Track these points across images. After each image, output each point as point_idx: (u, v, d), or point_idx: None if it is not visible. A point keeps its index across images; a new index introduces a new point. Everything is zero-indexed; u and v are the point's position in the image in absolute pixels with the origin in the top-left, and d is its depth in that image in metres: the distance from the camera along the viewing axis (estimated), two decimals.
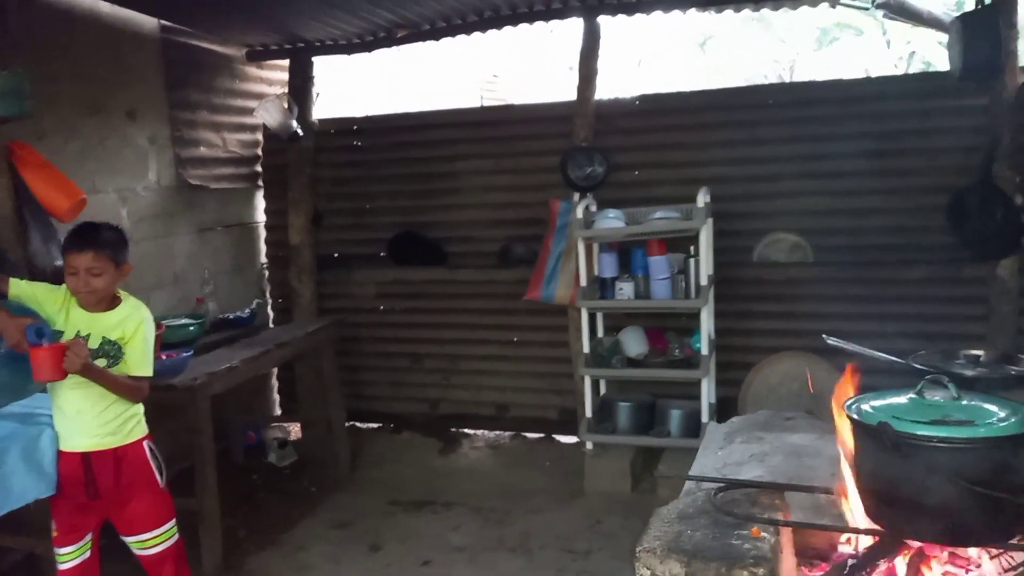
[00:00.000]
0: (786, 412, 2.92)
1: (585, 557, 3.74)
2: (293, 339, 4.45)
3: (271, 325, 5.40)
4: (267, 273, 5.64)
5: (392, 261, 5.30)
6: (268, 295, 5.64)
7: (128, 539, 2.76)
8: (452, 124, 5.17)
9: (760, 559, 1.54)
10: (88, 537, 2.74)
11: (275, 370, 5.54)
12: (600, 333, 4.62)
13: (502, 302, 5.06)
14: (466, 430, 5.34)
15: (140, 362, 2.64)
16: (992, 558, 1.61)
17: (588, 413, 4.46)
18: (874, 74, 4.40)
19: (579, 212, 4.29)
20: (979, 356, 2.99)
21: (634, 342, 4.46)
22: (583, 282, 4.37)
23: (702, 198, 4.09)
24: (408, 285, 5.30)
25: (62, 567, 2.72)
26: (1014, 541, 1.50)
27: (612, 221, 4.21)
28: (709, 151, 4.63)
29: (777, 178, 4.55)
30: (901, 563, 1.55)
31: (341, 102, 5.97)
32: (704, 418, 4.16)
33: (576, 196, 4.56)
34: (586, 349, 4.42)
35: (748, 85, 4.78)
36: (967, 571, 1.59)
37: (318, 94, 5.36)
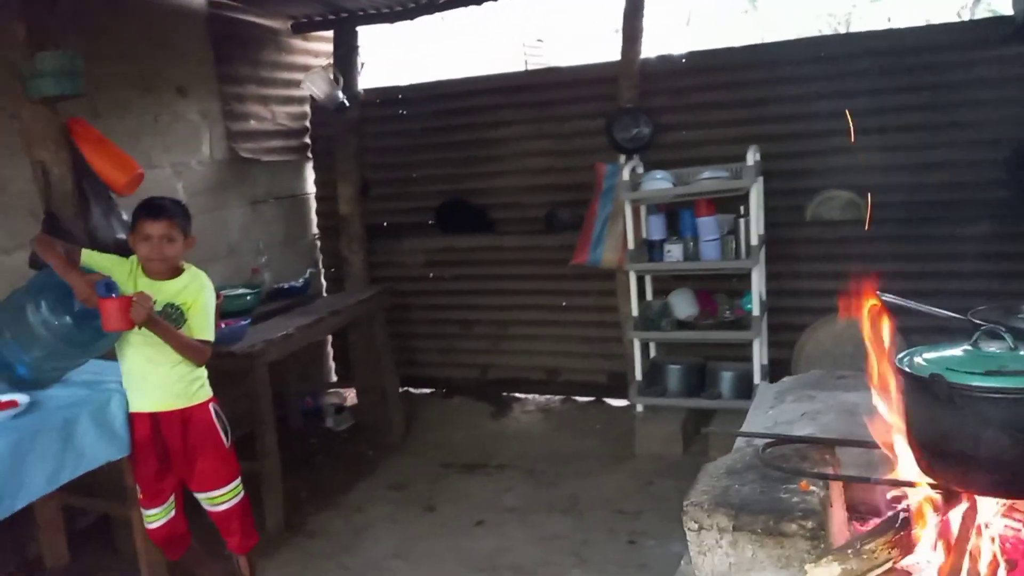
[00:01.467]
0: (839, 371, 2.88)
1: (635, 518, 3.76)
2: (345, 307, 4.54)
3: (324, 294, 5.52)
4: (319, 243, 5.75)
5: (440, 229, 5.35)
6: (320, 265, 5.75)
7: (199, 495, 2.94)
8: (495, 90, 5.15)
9: (809, 512, 1.54)
10: (172, 498, 2.92)
11: (330, 338, 5.67)
12: (649, 296, 4.60)
13: (549, 267, 5.07)
14: (516, 394, 5.40)
15: (202, 327, 2.76)
16: None
17: (638, 376, 4.47)
18: (936, 23, 4.20)
19: (625, 174, 4.25)
20: None
21: (683, 304, 4.43)
22: (631, 245, 4.35)
23: (752, 156, 4.01)
24: (456, 252, 5.34)
25: (150, 527, 2.92)
26: None
27: (659, 182, 4.16)
28: (758, 109, 4.52)
29: (829, 134, 4.42)
30: (955, 517, 1.53)
31: (386, 72, 5.99)
32: (756, 379, 4.12)
33: (622, 158, 4.51)
34: (635, 312, 4.41)
35: (797, 38, 4.63)
36: (1022, 524, 1.56)
37: (363, 64, 5.39)
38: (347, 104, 5.10)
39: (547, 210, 5.03)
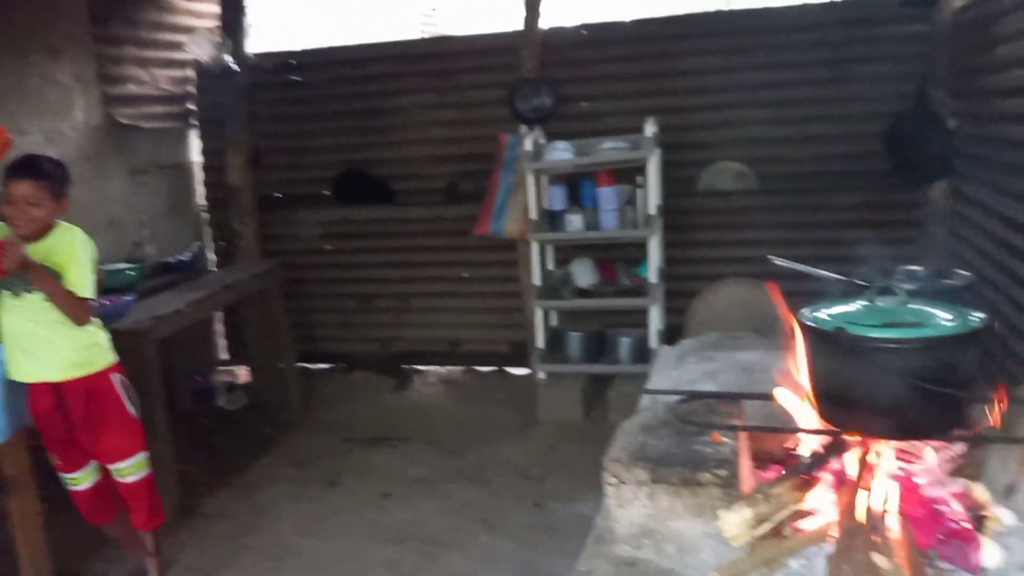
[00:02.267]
0: (735, 333, 3.02)
1: (541, 482, 3.83)
2: (238, 281, 4.36)
3: (213, 269, 5.27)
4: (207, 216, 5.47)
5: (337, 200, 5.20)
6: (209, 238, 5.49)
7: (109, 466, 2.83)
8: (395, 57, 5.04)
9: (722, 462, 1.61)
10: (92, 463, 2.81)
11: (219, 315, 5.43)
12: (550, 266, 4.66)
13: (451, 239, 5.04)
14: (419, 367, 5.37)
15: (79, 282, 2.60)
16: (936, 450, 1.71)
17: (540, 344, 4.53)
18: (823, 2, 4.40)
19: (528, 145, 4.26)
20: (917, 271, 3.14)
21: (584, 273, 4.52)
22: (533, 215, 4.38)
23: (649, 128, 4.11)
24: (355, 224, 5.22)
25: (75, 488, 2.82)
26: (956, 433, 1.60)
27: (561, 153, 4.20)
28: (657, 81, 4.63)
29: (723, 107, 4.58)
30: (851, 460, 1.63)
31: (276, 36, 5.74)
32: (652, 344, 4.26)
33: (524, 129, 4.52)
34: (537, 281, 4.45)
35: (693, 13, 4.75)
36: (912, 463, 1.69)
37: (251, 26, 5.13)
38: (235, 69, 4.85)
39: (449, 180, 4.99)
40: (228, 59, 4.81)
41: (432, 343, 5.31)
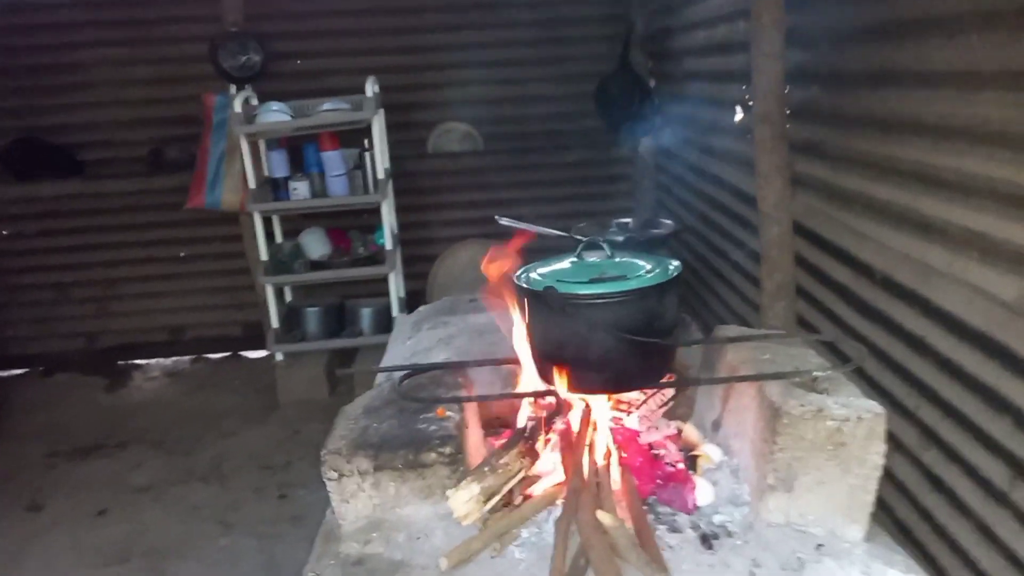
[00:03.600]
0: (469, 296, 2.99)
1: (285, 470, 3.60)
2: None
3: None
4: None
5: (10, 175, 4.39)
6: None
7: None
8: (73, 4, 4.31)
9: (446, 438, 1.52)
10: None
11: None
12: (278, 238, 4.34)
13: (160, 213, 4.50)
14: (137, 361, 4.78)
15: None
16: (649, 397, 1.77)
17: (274, 323, 4.22)
18: None
19: (238, 106, 3.87)
20: (628, 223, 3.34)
21: (315, 244, 4.26)
22: (252, 184, 4.01)
23: (370, 87, 3.92)
24: (37, 203, 4.47)
25: None
26: (664, 379, 1.66)
27: (276, 115, 3.87)
28: (377, 39, 4.44)
29: (446, 67, 4.52)
30: (574, 418, 1.63)
31: None
32: (394, 312, 4.15)
33: (233, 89, 4.11)
34: (264, 256, 4.12)
35: None
36: (628, 413, 1.74)
37: None
38: None
39: (151, 148, 4.43)
40: None
41: (150, 332, 4.76)
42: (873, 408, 1.46)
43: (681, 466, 1.62)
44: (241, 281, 4.60)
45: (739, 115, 3.03)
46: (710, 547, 1.45)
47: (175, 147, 4.38)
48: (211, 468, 3.65)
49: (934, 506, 1.97)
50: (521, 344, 1.65)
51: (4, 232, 4.49)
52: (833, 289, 2.39)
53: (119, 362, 4.72)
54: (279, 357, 4.24)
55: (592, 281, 1.50)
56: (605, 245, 1.59)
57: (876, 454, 1.46)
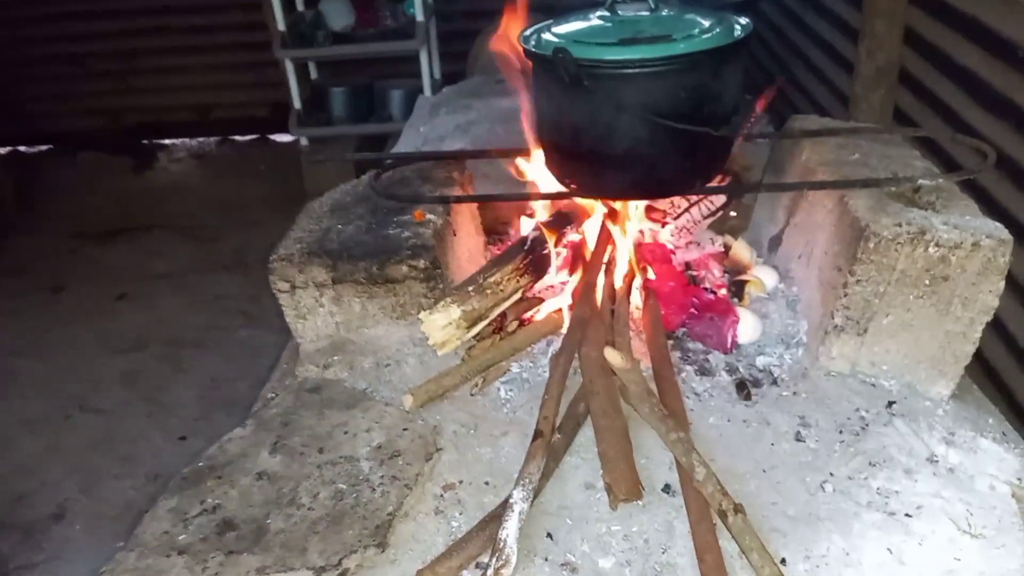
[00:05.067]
0: (499, 75, 2.55)
1: None
2: None
3: None
4: None
5: None
6: None
7: None
8: None
9: (420, 248, 1.20)
10: None
11: None
12: (300, 7, 3.85)
13: None
14: (163, 141, 4.54)
15: None
16: (691, 205, 1.39)
17: (297, 104, 3.86)
18: None
19: None
20: None
21: (338, 13, 3.77)
22: None
23: None
24: None
25: None
26: (714, 183, 1.27)
27: None
28: None
29: None
30: (591, 228, 1.28)
31: None
32: (427, 95, 3.72)
33: None
34: (282, 27, 3.67)
35: None
36: (663, 224, 1.37)
37: None
38: None
39: None
40: None
41: (176, 111, 4.47)
42: (996, 232, 1.07)
43: (723, 293, 1.28)
44: (266, 56, 4.16)
45: None
46: (748, 397, 1.14)
47: None
48: (235, 258, 3.52)
49: None
50: (530, 131, 1.27)
51: None
52: (953, 75, 1.86)
53: (144, 141, 4.48)
54: (304, 142, 3.92)
55: (623, 43, 1.07)
56: None
57: (990, 293, 1.09)
